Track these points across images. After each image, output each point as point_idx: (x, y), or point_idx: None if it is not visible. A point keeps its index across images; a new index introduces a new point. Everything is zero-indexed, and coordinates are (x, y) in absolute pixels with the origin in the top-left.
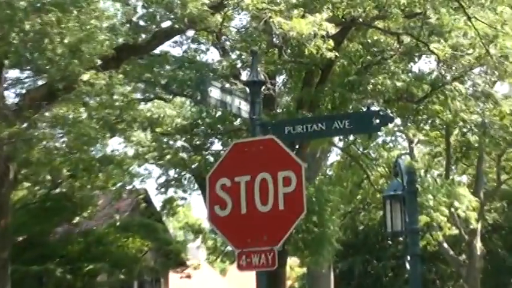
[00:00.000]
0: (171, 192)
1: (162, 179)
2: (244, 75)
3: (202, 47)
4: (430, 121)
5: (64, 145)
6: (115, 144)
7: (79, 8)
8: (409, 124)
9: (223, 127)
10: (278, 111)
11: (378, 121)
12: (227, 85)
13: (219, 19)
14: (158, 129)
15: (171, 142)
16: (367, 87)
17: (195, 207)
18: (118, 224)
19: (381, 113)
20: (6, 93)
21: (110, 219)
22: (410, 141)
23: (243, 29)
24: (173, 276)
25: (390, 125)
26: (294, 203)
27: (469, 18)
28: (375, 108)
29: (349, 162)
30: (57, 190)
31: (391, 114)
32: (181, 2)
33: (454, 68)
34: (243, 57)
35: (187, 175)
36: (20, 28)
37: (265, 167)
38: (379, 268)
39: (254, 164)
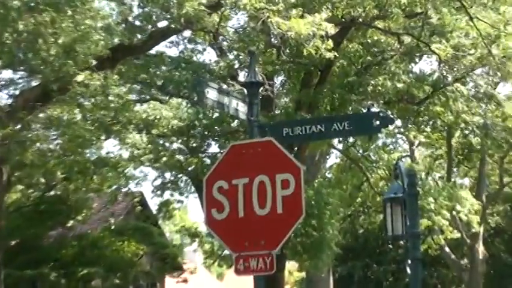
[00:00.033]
0: (167, 195)
1: (158, 182)
2: (242, 76)
3: (199, 47)
4: (431, 123)
5: (58, 147)
6: (110, 146)
7: (73, 8)
8: (409, 126)
9: (221, 129)
10: (276, 112)
11: (378, 123)
12: (224, 86)
13: (216, 19)
14: (154, 131)
15: (167, 144)
16: (367, 88)
17: (191, 211)
18: (113, 227)
19: (381, 114)
20: None
21: (104, 223)
22: (411, 143)
23: (241, 29)
24: (169, 281)
25: (390, 127)
26: (292, 206)
27: (471, 18)
28: (375, 109)
29: (348, 164)
30: (51, 193)
31: (391, 116)
32: (178, 1)
33: (455, 68)
34: (240, 57)
35: (184, 178)
36: (13, 28)
37: (263, 170)
38: (379, 272)
39: (252, 166)
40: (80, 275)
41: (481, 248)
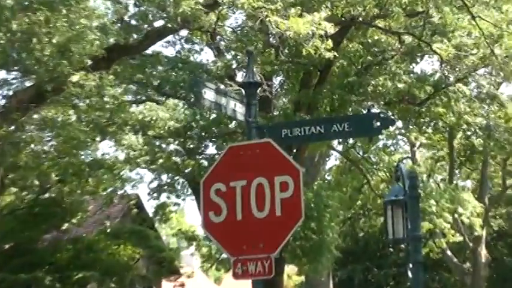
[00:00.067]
0: (163, 197)
1: (155, 184)
2: (240, 76)
3: (196, 47)
4: (432, 124)
5: (53, 149)
6: (105, 148)
7: (68, 7)
8: (410, 127)
9: (218, 130)
10: (275, 113)
11: (378, 124)
12: (222, 86)
13: (214, 18)
14: (150, 133)
15: (163, 146)
16: (367, 89)
17: (188, 213)
18: (109, 230)
19: (382, 115)
20: None
21: (100, 226)
22: (412, 145)
23: (239, 29)
24: (166, 285)
25: (391, 128)
26: (291, 209)
27: (473, 17)
28: (375, 110)
29: (348, 166)
30: (46, 195)
31: (392, 117)
32: (174, 0)
33: (457, 68)
34: (238, 57)
35: (181, 180)
36: (6, 27)
37: (262, 172)
38: (380, 276)
39: (250, 168)
40: (75, 279)
41: (483, 252)
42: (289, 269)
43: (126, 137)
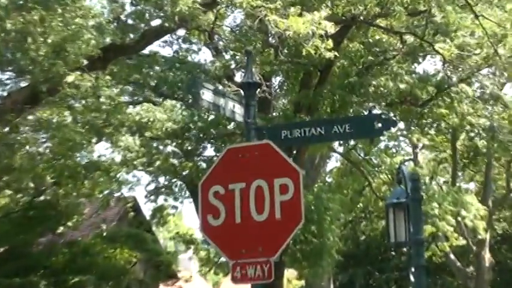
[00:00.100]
0: (161, 200)
1: (152, 187)
2: (239, 77)
3: (194, 47)
4: (435, 125)
5: (48, 150)
6: (102, 150)
7: (63, 6)
8: (413, 128)
9: (216, 131)
10: (274, 114)
11: (380, 125)
12: (220, 87)
13: (212, 17)
14: (147, 134)
15: (161, 147)
16: (368, 90)
17: (186, 216)
18: (105, 234)
19: (383, 116)
20: None
21: (96, 229)
22: (415, 147)
23: (237, 28)
24: None
25: (393, 130)
26: (291, 212)
27: (477, 17)
28: (376, 111)
29: (349, 168)
30: (41, 198)
31: (394, 118)
32: None
33: (460, 69)
34: (237, 57)
35: (179, 182)
36: (1, 27)
37: (261, 174)
38: (381, 280)
39: (249, 170)
40: (71, 283)
41: (487, 255)
42: (289, 273)
43: (123, 138)
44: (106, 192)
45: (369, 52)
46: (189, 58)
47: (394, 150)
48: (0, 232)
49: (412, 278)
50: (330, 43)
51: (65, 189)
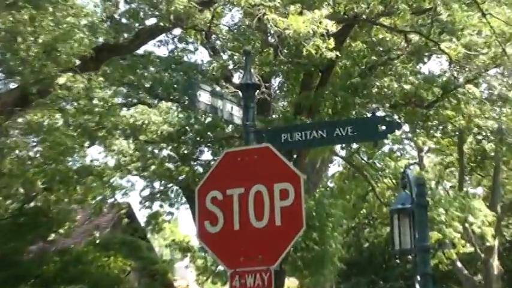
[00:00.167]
0: (156, 206)
1: (147, 192)
2: (237, 78)
3: (190, 47)
4: (441, 128)
5: (38, 155)
6: (94, 154)
7: (54, 4)
8: (418, 131)
9: (214, 135)
10: (274, 117)
11: (383, 128)
12: (218, 88)
13: (209, 16)
14: (142, 137)
15: (156, 151)
16: (371, 91)
17: (182, 223)
18: (98, 241)
19: (387, 118)
20: None
21: (89, 236)
22: (420, 150)
23: (235, 27)
24: None
25: (397, 132)
26: (292, 218)
27: (484, 15)
28: (380, 113)
29: (352, 172)
30: (31, 204)
31: (398, 120)
32: None
33: (467, 69)
34: (235, 57)
35: (174, 187)
36: None
37: (260, 179)
38: None
39: (248, 175)
40: None
41: (495, 263)
42: (290, 282)
43: (117, 142)
44: (99, 198)
45: (372, 52)
46: (185, 58)
47: (398, 153)
48: None
49: (417, 287)
50: (332, 43)
51: (56, 195)
